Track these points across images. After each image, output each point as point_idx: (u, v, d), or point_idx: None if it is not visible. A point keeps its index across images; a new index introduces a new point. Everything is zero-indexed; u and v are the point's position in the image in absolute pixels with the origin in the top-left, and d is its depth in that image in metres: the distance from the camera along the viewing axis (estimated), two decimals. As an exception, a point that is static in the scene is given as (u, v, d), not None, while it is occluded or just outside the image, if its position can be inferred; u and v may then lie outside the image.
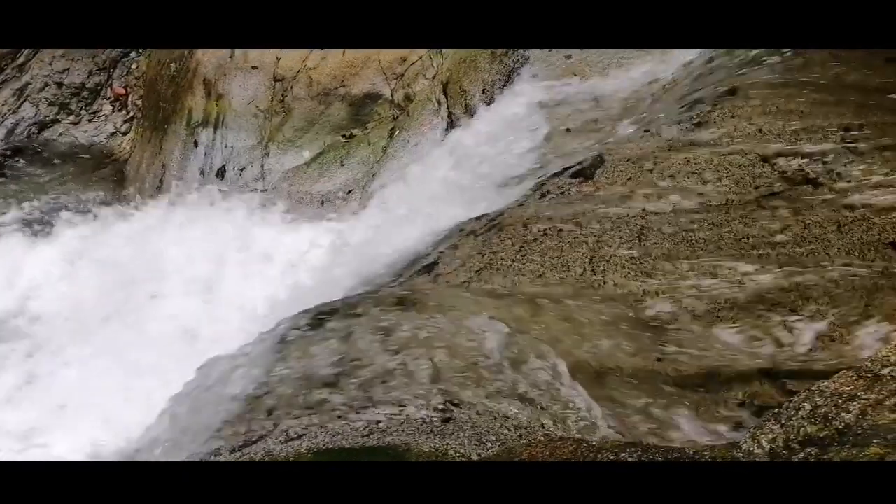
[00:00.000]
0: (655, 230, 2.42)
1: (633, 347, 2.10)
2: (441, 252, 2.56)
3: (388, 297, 2.17)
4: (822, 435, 0.94)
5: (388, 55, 4.88)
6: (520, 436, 1.71)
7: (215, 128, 4.85)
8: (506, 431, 1.72)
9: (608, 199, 2.61)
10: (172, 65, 5.36)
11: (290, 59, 4.94)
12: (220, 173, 4.69)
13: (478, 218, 2.75)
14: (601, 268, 2.36)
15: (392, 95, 4.79)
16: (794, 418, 1.00)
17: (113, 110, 5.70)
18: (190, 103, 5.03)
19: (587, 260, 2.40)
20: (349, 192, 4.43)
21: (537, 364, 1.90)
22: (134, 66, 5.86)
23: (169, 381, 2.14)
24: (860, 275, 2.18)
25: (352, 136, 4.72)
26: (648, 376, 2.04)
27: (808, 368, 1.95)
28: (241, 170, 4.67)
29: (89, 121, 5.62)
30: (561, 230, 2.55)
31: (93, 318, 3.19)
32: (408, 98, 4.77)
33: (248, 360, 2.04)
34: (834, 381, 1.04)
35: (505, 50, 4.41)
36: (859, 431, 0.89)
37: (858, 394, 0.97)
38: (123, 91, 5.78)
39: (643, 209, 2.50)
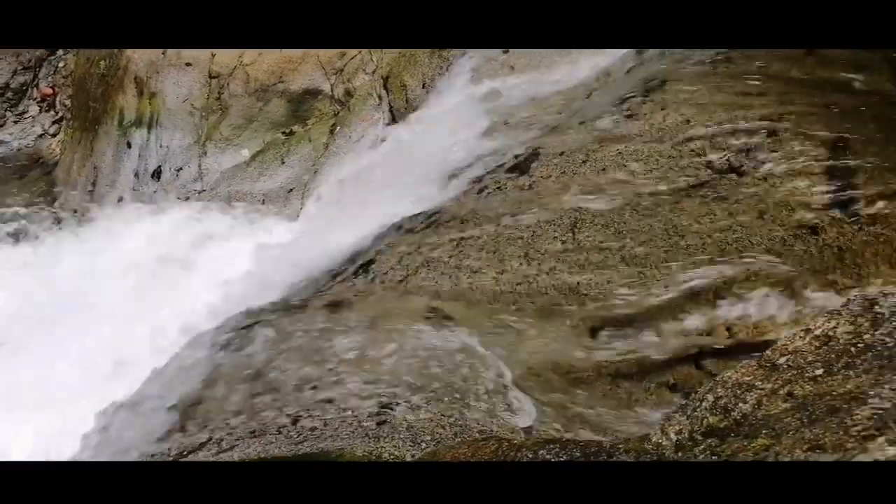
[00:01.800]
0: (588, 222, 2.46)
1: (568, 340, 2.14)
2: (378, 250, 2.55)
3: (322, 300, 2.15)
4: (721, 426, 0.97)
5: (328, 50, 4.81)
6: (455, 434, 1.72)
7: (149, 127, 4.71)
8: (441, 430, 1.73)
9: (543, 192, 2.64)
10: (102, 63, 5.17)
11: (225, 55, 4.82)
12: (156, 174, 4.56)
13: (416, 215, 2.75)
14: (536, 261, 2.39)
15: (332, 91, 4.73)
16: (698, 409, 1.03)
17: (40, 111, 5.47)
18: (121, 102, 4.86)
19: (523, 254, 2.42)
20: (290, 190, 4.36)
21: (473, 361, 1.92)
22: (61, 65, 5.63)
23: (96, 398, 2.07)
24: (782, 259, 2.27)
25: (292, 132, 4.65)
26: (583, 368, 2.08)
27: (732, 353, 2.02)
28: (178, 170, 4.54)
29: (15, 122, 5.37)
30: (498, 225, 2.57)
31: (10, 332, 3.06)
32: (348, 93, 4.72)
33: (179, 372, 1.99)
34: (736, 372, 1.07)
35: (443, 43, 4.40)
36: (753, 421, 0.92)
37: (756, 384, 1.00)
38: (51, 91, 5.55)
39: (576, 202, 2.54)
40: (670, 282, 2.25)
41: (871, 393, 0.76)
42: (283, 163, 4.49)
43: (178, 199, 4.28)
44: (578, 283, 2.31)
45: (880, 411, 0.70)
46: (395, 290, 2.27)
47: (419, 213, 2.75)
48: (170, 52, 4.93)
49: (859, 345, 0.95)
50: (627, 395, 2.07)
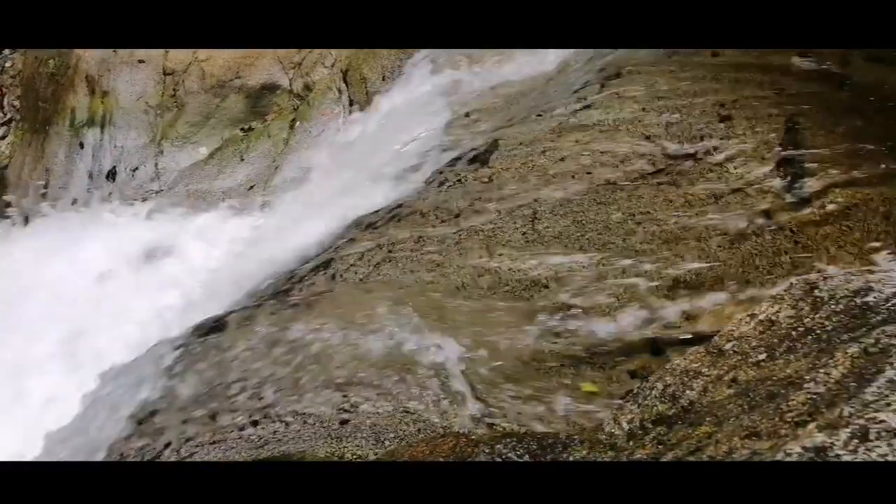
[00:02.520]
0: (548, 213, 2.47)
1: (529, 332, 2.15)
2: (339, 247, 2.53)
3: (283, 300, 2.12)
4: (670, 413, 0.98)
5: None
6: (419, 430, 1.72)
7: (102, 127, 4.59)
8: (405, 427, 1.72)
9: (503, 184, 2.64)
10: (51, 61, 5.02)
11: (179, 51, 4.72)
12: (111, 175, 4.44)
13: (376, 211, 2.73)
14: (497, 253, 2.39)
15: (291, 85, 4.67)
16: (648, 398, 1.04)
17: (-13, 113, 5.28)
18: (72, 102, 4.73)
19: (484, 246, 2.43)
20: (251, 187, 4.29)
21: (436, 357, 1.92)
22: (8, 65, 5.44)
23: (52, 401, 2.02)
24: (737, 244, 2.31)
25: (251, 129, 4.57)
26: (546, 360, 2.09)
27: (689, 338, 2.05)
28: (134, 170, 4.44)
29: (-40, 125, 5.19)
30: (458, 217, 2.56)
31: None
32: (307, 87, 4.67)
33: (137, 378, 1.95)
34: (685, 359, 1.08)
35: (402, 36, 4.37)
36: (699, 408, 0.93)
37: (703, 370, 1.01)
38: (-2, 91, 5.36)
39: (536, 193, 2.55)
40: (629, 270, 2.28)
41: (808, 378, 0.77)
42: (242, 159, 4.42)
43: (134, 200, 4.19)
44: (539, 273, 2.32)
45: (814, 396, 0.71)
46: (357, 287, 2.25)
47: (380, 209, 2.73)
48: (122, 49, 4.80)
49: (800, 328, 0.97)
50: (590, 382, 2.09)
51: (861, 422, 0.58)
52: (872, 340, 0.80)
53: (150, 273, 3.28)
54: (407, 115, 3.78)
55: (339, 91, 4.61)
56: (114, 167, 4.46)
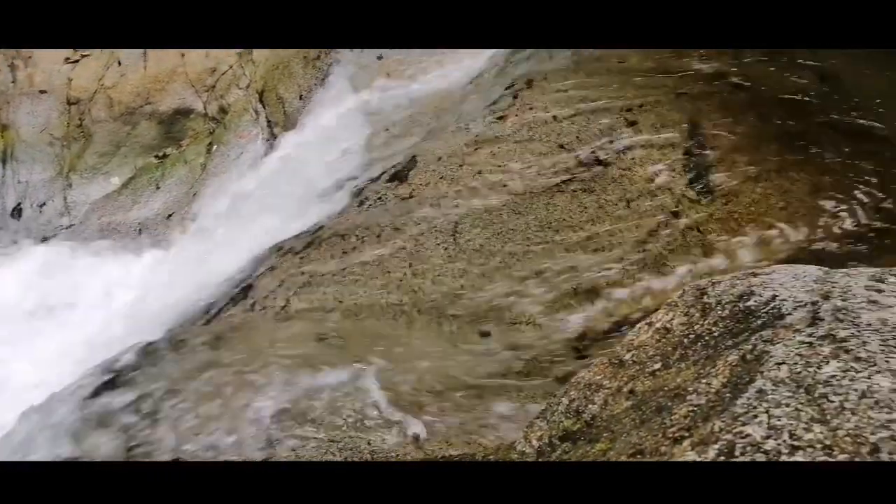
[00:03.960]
0: (468, 227, 2.49)
1: (456, 347, 2.15)
2: (258, 275, 2.46)
3: (200, 336, 2.05)
4: (575, 429, 0.99)
5: (196, 66, 4.62)
6: (345, 458, 1.69)
7: (3, 162, 4.34)
8: (330, 457, 1.69)
9: (422, 200, 2.64)
10: (-57, 95, 4.71)
11: (83, 79, 4.53)
12: (16, 212, 4.20)
13: (296, 235, 2.68)
14: (420, 270, 2.39)
15: (205, 108, 4.54)
16: (555, 413, 1.05)
17: None
18: (-31, 138, 4.45)
19: (406, 264, 2.42)
20: (169, 216, 4.14)
21: (359, 381, 1.89)
22: None
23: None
24: (649, 245, 2.39)
25: (165, 155, 4.42)
26: (473, 373, 2.10)
27: (611, 341, 2.10)
28: (41, 206, 4.21)
29: None
30: (379, 237, 2.55)
31: None
32: (223, 110, 4.55)
33: (49, 424, 1.84)
34: (589, 371, 1.10)
35: (317, 54, 4.35)
36: (599, 423, 0.94)
37: (604, 383, 1.03)
38: None
39: (455, 207, 2.56)
40: (548, 278, 2.32)
41: (691, 389, 0.80)
42: (158, 188, 4.26)
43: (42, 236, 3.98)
44: (462, 286, 2.33)
45: (695, 409, 0.73)
46: (277, 317, 2.20)
47: (300, 233, 2.68)
48: (21, 80, 4.57)
49: (691, 335, 1.00)
50: (522, 395, 2.11)
51: (729, 437, 0.60)
52: (750, 346, 0.83)
53: (57, 310, 3.11)
54: (326, 134, 3.74)
55: (256, 112, 4.52)
56: (19, 204, 4.22)
